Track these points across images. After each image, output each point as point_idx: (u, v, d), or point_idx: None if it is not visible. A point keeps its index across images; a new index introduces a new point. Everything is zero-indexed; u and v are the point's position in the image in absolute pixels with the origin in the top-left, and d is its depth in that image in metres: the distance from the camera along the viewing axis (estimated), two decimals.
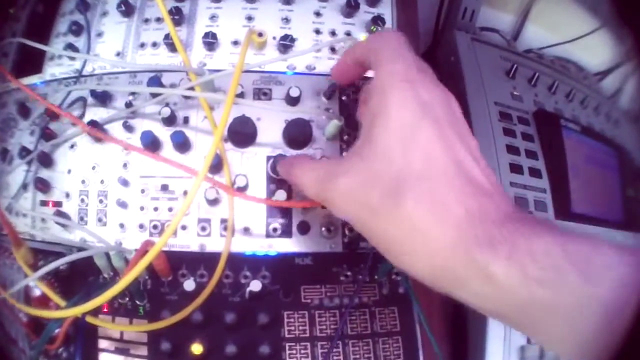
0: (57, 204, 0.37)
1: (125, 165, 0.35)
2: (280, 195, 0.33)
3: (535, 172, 0.46)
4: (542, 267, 0.16)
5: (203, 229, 0.34)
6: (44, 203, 0.38)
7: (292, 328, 0.34)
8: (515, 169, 0.44)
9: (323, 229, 0.35)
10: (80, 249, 0.34)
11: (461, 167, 0.20)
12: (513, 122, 0.48)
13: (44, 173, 0.38)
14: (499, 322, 0.20)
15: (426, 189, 0.19)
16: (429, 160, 0.20)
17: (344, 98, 0.37)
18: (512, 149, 0.46)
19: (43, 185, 0.38)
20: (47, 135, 0.38)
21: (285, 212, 0.35)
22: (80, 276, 0.35)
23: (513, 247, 0.17)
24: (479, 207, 0.19)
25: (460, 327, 0.43)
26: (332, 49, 0.38)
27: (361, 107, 0.28)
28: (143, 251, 0.30)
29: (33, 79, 0.42)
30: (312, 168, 0.26)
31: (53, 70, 0.41)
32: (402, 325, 0.36)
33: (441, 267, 0.19)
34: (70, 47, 0.40)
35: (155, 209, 0.35)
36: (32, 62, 0.42)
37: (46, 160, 0.38)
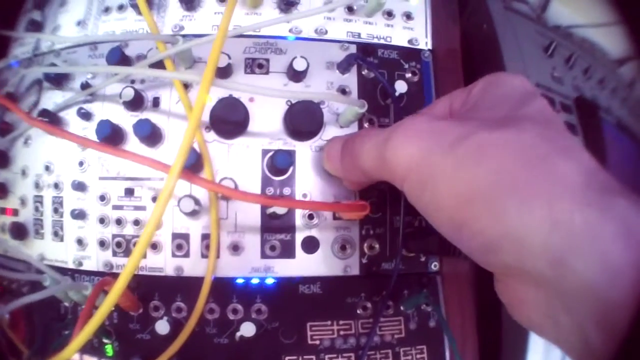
0: (15, 212, 0.27)
1: (81, 163, 0.24)
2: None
3: None
4: None
5: (179, 247, 0.23)
6: (3, 211, 0.28)
7: None
8: None
9: (336, 246, 0.23)
10: (38, 271, 0.24)
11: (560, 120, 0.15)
12: (556, 109, 0.36)
13: (1, 175, 0.28)
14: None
15: (547, 120, 0.14)
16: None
17: (364, 72, 0.24)
18: None
19: None
20: (2, 129, 0.28)
21: (287, 225, 0.23)
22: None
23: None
24: (589, 156, 0.13)
25: None
26: (350, 9, 0.25)
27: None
28: (98, 293, 0.20)
29: None
30: (379, 132, 0.17)
31: (16, 51, 0.30)
32: None
33: (565, 222, 0.11)
34: (32, 24, 0.29)
35: (118, 221, 0.23)
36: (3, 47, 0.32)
37: (2, 160, 0.27)
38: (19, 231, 0.26)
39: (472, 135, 0.13)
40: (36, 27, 0.29)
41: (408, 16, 0.25)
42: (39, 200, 0.25)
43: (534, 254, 0.12)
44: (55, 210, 0.25)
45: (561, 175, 0.12)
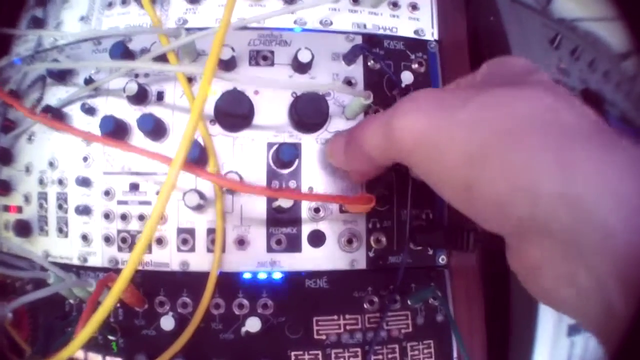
0: (19, 209, 0.27)
1: (85, 159, 0.24)
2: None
3: None
4: None
5: (184, 242, 0.23)
6: (6, 208, 0.28)
7: None
8: None
9: (342, 240, 0.23)
10: (42, 268, 0.24)
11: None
12: None
13: (4, 172, 0.28)
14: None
15: (551, 84, 0.14)
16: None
17: (370, 64, 0.24)
18: None
19: (2, 188, 0.27)
20: (5, 127, 0.28)
21: (293, 219, 0.23)
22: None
23: None
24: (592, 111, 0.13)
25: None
26: None
27: None
28: (101, 289, 0.20)
29: (1, 63, 0.31)
30: (381, 113, 0.17)
31: (19, 48, 0.30)
32: None
33: (574, 164, 0.11)
34: (35, 21, 0.29)
35: (123, 216, 0.23)
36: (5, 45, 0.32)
37: (5, 157, 0.27)
38: (23, 228, 0.26)
39: (477, 95, 0.13)
40: (38, 24, 0.28)
41: (414, 7, 0.25)
42: (43, 196, 0.25)
43: (548, 201, 0.11)
44: (60, 207, 0.25)
45: (567, 124, 0.12)
